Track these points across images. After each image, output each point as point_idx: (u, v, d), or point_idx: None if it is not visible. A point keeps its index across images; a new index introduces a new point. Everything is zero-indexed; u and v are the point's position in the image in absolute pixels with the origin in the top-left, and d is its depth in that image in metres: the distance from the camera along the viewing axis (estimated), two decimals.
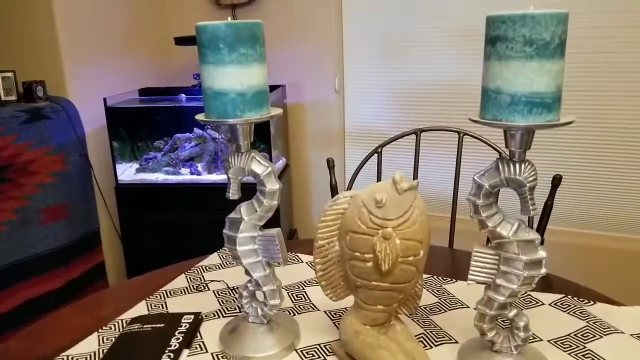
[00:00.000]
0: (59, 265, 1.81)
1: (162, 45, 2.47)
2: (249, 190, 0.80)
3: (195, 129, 2.23)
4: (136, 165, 2.23)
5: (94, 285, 2.03)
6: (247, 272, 0.79)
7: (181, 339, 0.80)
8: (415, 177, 1.27)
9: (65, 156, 1.79)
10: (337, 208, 0.72)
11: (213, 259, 1.13)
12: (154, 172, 2.19)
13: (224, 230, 0.79)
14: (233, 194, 0.76)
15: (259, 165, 0.74)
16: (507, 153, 0.67)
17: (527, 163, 0.66)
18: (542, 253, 0.67)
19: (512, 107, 0.62)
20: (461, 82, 2.05)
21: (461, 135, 1.25)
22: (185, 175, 2.18)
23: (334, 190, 1.30)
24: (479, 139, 1.24)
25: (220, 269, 1.08)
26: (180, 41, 2.21)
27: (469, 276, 0.71)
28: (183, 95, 2.25)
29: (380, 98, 2.24)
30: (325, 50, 2.26)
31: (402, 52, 2.15)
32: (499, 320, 0.78)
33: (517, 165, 0.66)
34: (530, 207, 0.65)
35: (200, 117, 0.73)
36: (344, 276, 0.74)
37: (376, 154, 1.33)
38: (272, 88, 2.22)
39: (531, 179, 0.65)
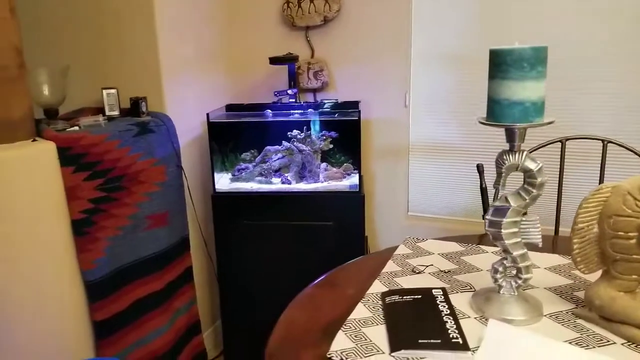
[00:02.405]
0: (160, 269, 1.94)
1: (241, 64, 2.67)
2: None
3: (283, 142, 2.40)
4: (226, 175, 2.39)
5: (184, 287, 2.17)
6: (505, 251, 0.98)
7: (447, 306, 0.99)
8: (560, 185, 1.48)
9: (166, 167, 1.94)
10: (599, 197, 0.92)
11: (402, 249, 1.31)
12: (247, 182, 2.36)
13: (487, 217, 0.98)
14: (503, 185, 0.95)
15: (532, 162, 0.93)
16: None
17: None
18: None
19: None
20: None
21: (605, 143, 1.47)
22: (277, 185, 2.35)
23: (484, 193, 1.49)
24: (624, 147, 1.45)
25: (415, 257, 1.26)
26: (275, 61, 2.40)
27: None
28: (269, 111, 2.43)
29: (444, 113, 2.44)
30: (393, 67, 2.46)
31: (468, 68, 2.35)
32: None
33: None
34: None
35: (483, 120, 0.93)
36: (599, 253, 0.94)
37: None
38: (348, 104, 2.43)
39: None
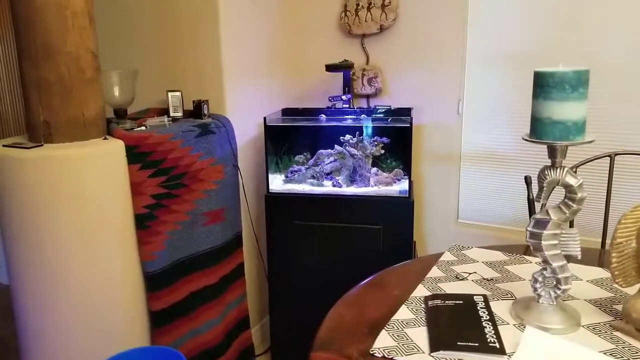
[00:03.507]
0: (215, 263, 2.08)
1: (297, 70, 2.80)
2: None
3: (336, 146, 2.51)
4: (280, 177, 2.52)
5: (236, 282, 2.30)
6: (545, 262, 1.05)
7: (487, 312, 1.06)
8: (608, 201, 1.51)
9: (224, 167, 2.07)
10: (638, 213, 0.97)
11: (447, 256, 1.39)
12: (299, 183, 2.48)
13: (528, 228, 1.05)
14: (544, 198, 1.02)
15: (572, 178, 1.00)
16: None
17: None
18: None
19: None
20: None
21: None
22: (328, 187, 2.45)
23: (531, 204, 1.55)
24: None
25: (459, 264, 1.34)
26: (331, 68, 2.51)
27: None
28: (323, 115, 2.53)
29: (497, 122, 2.48)
30: (447, 75, 2.52)
31: (522, 78, 2.37)
32: None
33: None
34: None
35: (526, 136, 1.00)
36: (637, 267, 0.99)
37: None
38: (401, 111, 2.50)
39: None
